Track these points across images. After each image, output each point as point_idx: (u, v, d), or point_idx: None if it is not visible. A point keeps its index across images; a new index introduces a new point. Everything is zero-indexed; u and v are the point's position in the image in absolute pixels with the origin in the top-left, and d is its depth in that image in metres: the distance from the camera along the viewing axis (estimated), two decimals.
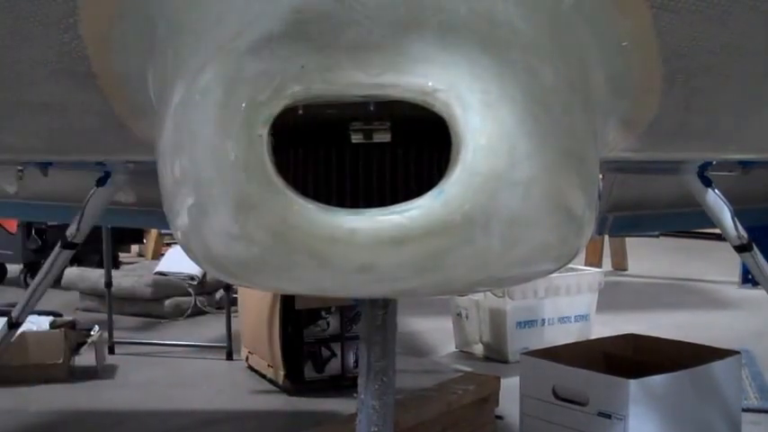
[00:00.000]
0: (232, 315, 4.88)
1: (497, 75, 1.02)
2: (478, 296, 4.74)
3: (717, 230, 2.78)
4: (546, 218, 1.11)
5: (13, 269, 7.72)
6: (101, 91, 1.35)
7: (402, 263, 1.05)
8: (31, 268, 7.08)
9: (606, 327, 4.78)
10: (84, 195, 2.78)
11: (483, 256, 1.08)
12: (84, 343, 4.50)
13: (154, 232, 8.46)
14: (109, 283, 5.21)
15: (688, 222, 3.63)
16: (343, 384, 4.11)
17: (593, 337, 4.56)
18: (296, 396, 4.10)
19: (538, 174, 1.06)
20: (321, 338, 4.19)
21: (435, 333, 5.31)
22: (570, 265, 3.93)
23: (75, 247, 2.88)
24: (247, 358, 4.62)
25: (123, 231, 7.58)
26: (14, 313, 3.10)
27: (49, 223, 7.04)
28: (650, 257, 8.68)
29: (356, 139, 1.06)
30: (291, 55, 0.99)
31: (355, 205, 1.05)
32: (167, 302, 6.14)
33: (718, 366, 3.04)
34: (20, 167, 2.77)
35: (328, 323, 4.20)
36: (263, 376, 4.39)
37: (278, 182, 1.01)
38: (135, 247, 9.31)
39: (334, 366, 4.20)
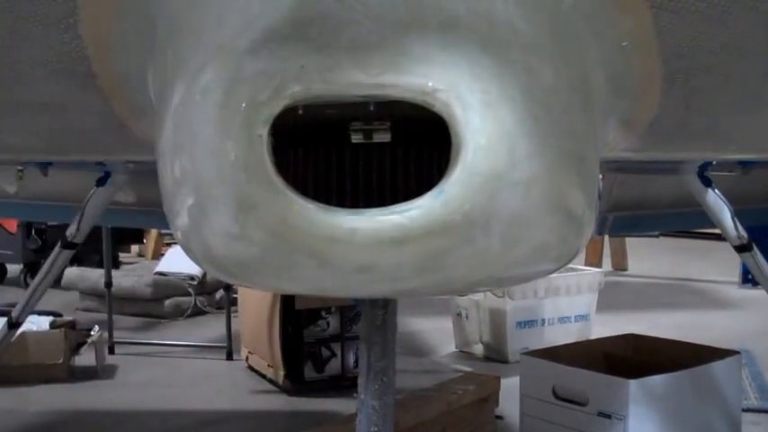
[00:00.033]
0: (232, 315, 4.88)
1: (497, 75, 1.02)
2: (478, 296, 4.74)
3: (717, 230, 2.78)
4: (546, 218, 1.11)
5: (13, 269, 7.72)
6: (101, 91, 1.35)
7: (402, 263, 1.05)
8: (31, 268, 7.08)
9: (606, 327, 4.78)
10: (84, 195, 2.78)
11: (483, 256, 1.08)
12: (84, 343, 4.50)
13: (154, 232, 8.46)
14: (109, 283, 5.22)
15: (688, 222, 3.63)
16: (343, 384, 4.11)
17: (593, 337, 4.56)
18: (296, 396, 4.10)
19: (538, 174, 1.06)
20: (321, 338, 4.19)
21: (435, 333, 5.31)
22: (570, 265, 3.94)
23: (75, 247, 2.88)
24: (247, 358, 4.62)
25: (123, 231, 7.58)
26: (14, 313, 3.10)
27: (49, 223, 7.04)
28: (650, 257, 8.68)
29: (356, 139, 1.06)
30: (291, 55, 0.99)
31: (355, 205, 1.05)
32: (167, 302, 6.14)
33: (718, 366, 3.04)
34: (20, 167, 2.77)
35: (328, 323, 4.20)
36: (263, 376, 4.39)
37: (278, 182, 1.01)
38: (135, 247, 9.31)
39: (334, 366, 4.20)
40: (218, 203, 1.06)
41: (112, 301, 5.28)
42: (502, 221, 1.05)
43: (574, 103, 1.14)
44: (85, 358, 4.51)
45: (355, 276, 1.07)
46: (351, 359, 4.19)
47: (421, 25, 1.00)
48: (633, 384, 2.77)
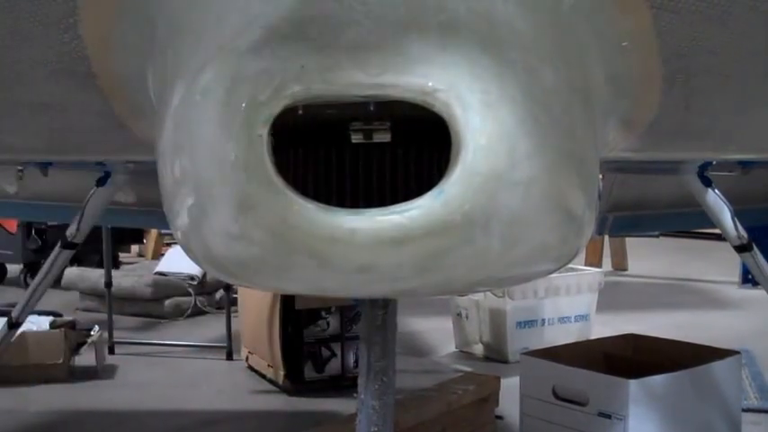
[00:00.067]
0: (232, 315, 4.88)
1: (497, 75, 1.02)
2: (478, 296, 4.74)
3: (717, 230, 2.78)
4: (546, 218, 1.11)
5: (13, 269, 7.72)
6: (101, 91, 1.35)
7: (402, 263, 1.05)
8: (31, 268, 7.08)
9: (606, 327, 4.78)
10: (84, 195, 2.78)
11: (483, 256, 1.08)
12: (84, 343, 4.50)
13: (154, 232, 8.46)
14: (109, 283, 5.21)
15: (688, 222, 3.63)
16: (343, 384, 4.11)
17: (593, 337, 4.56)
18: (296, 396, 4.10)
19: (538, 174, 1.06)
20: (321, 338, 4.19)
21: (435, 333, 5.31)
22: (570, 265, 3.94)
23: (75, 247, 2.88)
24: (247, 358, 4.62)
25: (123, 231, 7.58)
26: (14, 313, 3.10)
27: (49, 223, 7.04)
28: (650, 257, 8.67)
29: (356, 139, 1.06)
30: (291, 55, 0.99)
31: (355, 205, 1.05)
32: (167, 302, 6.14)
33: (718, 366, 3.04)
34: (20, 167, 2.77)
35: (328, 323, 4.20)
36: (263, 376, 4.39)
37: (278, 182, 1.01)
38: (135, 247, 9.31)
39: (334, 366, 4.20)
40: (218, 203, 1.06)
41: (112, 301, 5.28)
42: (502, 221, 1.05)
43: (574, 103, 1.14)
44: (85, 358, 4.51)
45: (355, 276, 1.07)
46: (351, 359, 4.19)
47: (421, 25, 1.00)
48: (633, 384, 2.77)
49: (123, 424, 3.84)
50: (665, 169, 2.74)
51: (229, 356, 4.85)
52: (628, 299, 6.61)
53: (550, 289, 4.74)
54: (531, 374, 3.14)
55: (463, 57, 1.01)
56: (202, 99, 1.04)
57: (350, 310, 4.16)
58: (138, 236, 8.62)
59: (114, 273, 5.64)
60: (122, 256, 8.57)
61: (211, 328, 5.55)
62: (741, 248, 2.70)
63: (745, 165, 2.58)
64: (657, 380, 2.84)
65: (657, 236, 7.83)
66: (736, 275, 6.84)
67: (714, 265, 7.84)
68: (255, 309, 4.40)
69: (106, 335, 4.92)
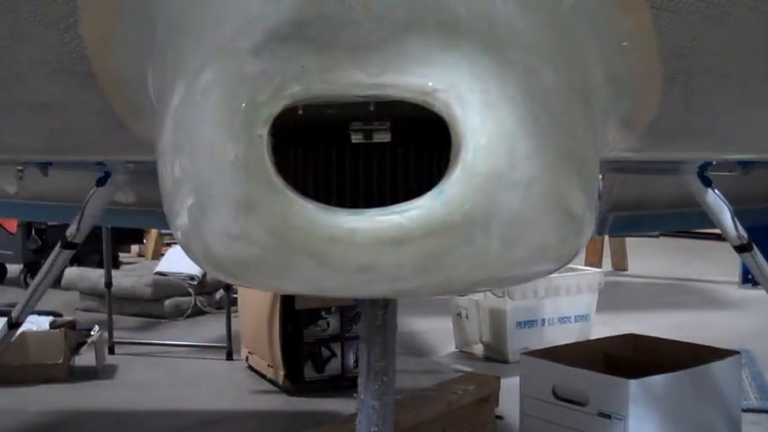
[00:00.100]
0: (232, 315, 4.88)
1: (497, 75, 1.02)
2: (478, 296, 4.74)
3: (717, 230, 2.78)
4: (546, 218, 1.11)
5: (13, 269, 7.72)
6: (101, 91, 1.35)
7: (402, 263, 1.05)
8: (31, 268, 7.08)
9: (606, 327, 4.78)
10: (84, 195, 2.78)
11: (483, 256, 1.08)
12: (84, 343, 4.50)
13: (154, 232, 8.46)
14: (109, 283, 5.21)
15: (688, 222, 3.63)
16: (343, 384, 4.11)
17: (593, 337, 4.56)
18: (296, 396, 4.10)
19: (538, 174, 1.06)
20: (321, 338, 4.19)
21: (435, 333, 5.31)
22: (570, 265, 3.93)
23: (76, 247, 2.88)
24: (247, 358, 4.62)
25: (123, 231, 7.58)
26: (14, 313, 3.10)
27: (49, 223, 7.04)
28: (650, 257, 8.68)
29: (356, 139, 1.06)
30: (291, 55, 0.99)
31: (355, 205, 1.05)
32: (167, 302, 6.14)
33: (718, 366, 3.04)
34: (20, 167, 2.77)
35: (328, 323, 4.20)
36: (263, 376, 4.39)
37: (278, 182, 1.01)
38: (135, 247, 9.31)
39: (334, 366, 4.20)
40: (218, 203, 1.06)
41: (112, 301, 5.28)
42: (502, 221, 1.05)
43: (574, 103, 1.14)
44: (85, 358, 4.51)
45: (355, 276, 1.07)
46: (351, 359, 4.19)
47: (421, 25, 1.00)
48: (633, 384, 2.77)
49: (123, 424, 3.84)
50: (665, 169, 2.74)
51: (229, 356, 4.85)
52: (628, 299, 6.61)
53: (550, 289, 4.74)
54: (531, 374, 3.14)
55: (463, 57, 1.01)
56: (202, 99, 1.04)
57: (350, 310, 4.16)
58: (138, 236, 8.62)
59: (114, 273, 5.64)
60: (122, 256, 8.57)
61: (211, 328, 5.55)
62: (741, 248, 2.70)
63: (745, 165, 2.58)
64: (657, 380, 2.84)
65: (657, 236, 7.84)
66: (736, 275, 6.84)
67: (714, 265, 7.84)
68: (255, 309, 4.40)
69: (106, 335, 4.92)
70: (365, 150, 1.08)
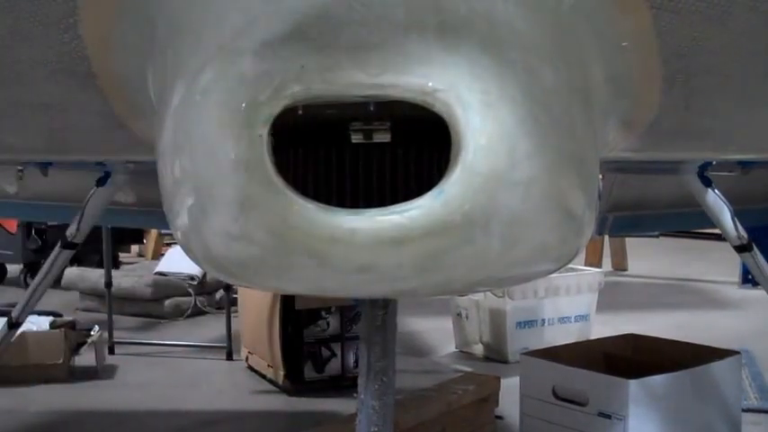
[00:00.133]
0: (232, 315, 4.88)
1: (497, 75, 1.02)
2: (478, 296, 4.74)
3: (717, 230, 2.78)
4: (546, 218, 1.11)
5: (13, 269, 7.72)
6: (101, 91, 1.35)
7: (402, 263, 1.05)
8: (31, 268, 7.08)
9: (606, 327, 4.78)
10: (84, 195, 2.78)
11: (483, 256, 1.08)
12: (84, 343, 4.50)
13: (154, 232, 8.46)
14: (109, 283, 5.21)
15: (688, 222, 3.63)
16: (343, 384, 4.11)
17: (593, 337, 4.56)
18: (296, 396, 4.10)
19: (538, 174, 1.06)
20: (321, 338, 4.19)
21: (435, 333, 5.31)
22: (570, 265, 3.93)
23: (76, 247, 2.88)
24: (247, 358, 4.62)
25: (123, 231, 7.58)
26: (14, 313, 3.10)
27: (49, 223, 7.04)
28: (650, 257, 8.68)
29: (356, 139, 1.06)
30: (291, 55, 0.99)
31: (355, 205, 1.05)
32: (167, 302, 6.14)
33: (718, 366, 3.04)
34: (20, 167, 2.77)
35: (328, 323, 4.20)
36: (263, 376, 4.39)
37: (278, 182, 1.01)
38: (135, 247, 9.31)
39: (334, 366, 4.20)
40: (218, 203, 1.06)
41: (112, 301, 5.28)
42: (502, 221, 1.05)
43: (574, 103, 1.14)
44: (85, 358, 4.51)
45: (355, 276, 1.07)
46: (351, 359, 4.19)
47: (421, 25, 1.00)
48: (633, 384, 2.77)
49: (123, 424, 3.84)
50: (665, 169, 2.74)
51: (229, 356, 4.85)
52: (628, 299, 6.61)
53: (550, 289, 4.74)
54: (531, 374, 3.14)
55: (463, 57, 1.01)
56: (202, 99, 1.04)
57: (350, 310, 4.16)
58: (138, 236, 8.62)
59: (114, 273, 5.64)
60: (122, 256, 8.57)
61: (211, 328, 5.55)
62: (741, 248, 2.70)
63: (745, 165, 2.58)
64: (657, 380, 2.84)
65: (657, 236, 7.83)
66: (736, 275, 6.85)
67: (714, 265, 7.85)
68: (255, 309, 4.40)
69: (106, 335, 4.92)
70: (365, 150, 1.08)
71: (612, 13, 1.17)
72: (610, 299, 5.55)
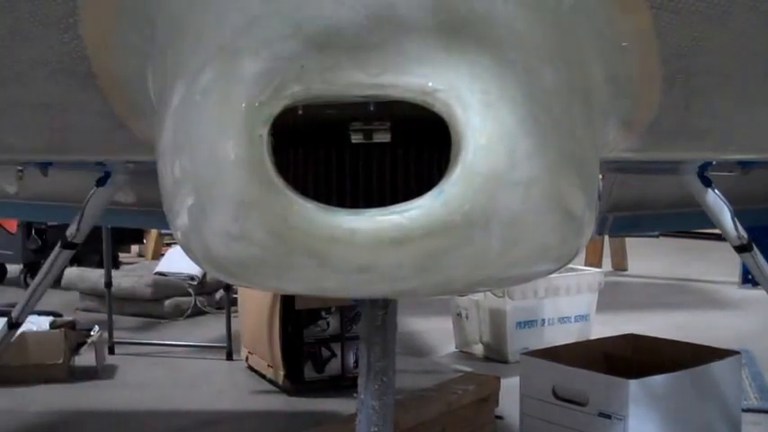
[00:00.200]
0: (232, 315, 4.88)
1: (497, 75, 1.02)
2: (478, 296, 4.74)
3: (717, 230, 2.78)
4: (546, 218, 1.11)
5: (13, 269, 7.72)
6: (101, 91, 1.35)
7: (402, 263, 1.05)
8: (31, 268, 7.08)
9: (606, 327, 4.78)
10: (84, 195, 2.78)
11: (483, 256, 1.08)
12: (84, 343, 4.50)
13: (154, 232, 8.46)
14: (109, 283, 5.21)
15: (688, 222, 3.63)
16: (343, 384, 4.11)
17: (593, 337, 4.56)
18: (296, 396, 4.10)
19: (538, 174, 1.06)
20: (321, 338, 4.19)
21: (435, 333, 5.31)
22: (570, 265, 3.93)
23: (76, 247, 2.88)
24: (247, 358, 4.62)
25: (123, 231, 7.58)
26: (14, 313, 3.10)
27: (49, 223, 7.04)
28: (650, 257, 8.67)
29: (356, 139, 1.06)
30: (291, 55, 0.99)
31: (355, 205, 1.05)
32: (167, 302, 6.14)
33: (718, 366, 3.04)
34: (20, 167, 2.77)
35: (328, 323, 4.20)
36: (263, 376, 4.39)
37: (278, 182, 1.01)
38: (135, 247, 9.31)
39: (334, 366, 4.20)
40: (218, 203, 1.06)
41: (112, 301, 5.28)
42: (502, 221, 1.05)
43: (574, 103, 1.14)
44: (85, 358, 4.51)
45: (355, 276, 1.07)
46: (351, 359, 4.19)
47: (421, 25, 1.00)
48: (633, 384, 2.77)
49: (123, 424, 3.84)
50: (665, 169, 2.74)
51: (229, 357, 4.85)
52: (628, 299, 6.61)
53: (550, 289, 4.74)
54: (531, 374, 3.14)
55: (463, 57, 1.01)
56: (202, 99, 1.04)
57: (350, 310, 4.16)
58: (138, 236, 8.62)
59: (114, 273, 5.64)
60: (122, 256, 8.57)
61: (211, 328, 5.55)
62: (741, 248, 2.70)
63: (745, 165, 2.58)
64: (657, 380, 2.84)
65: (657, 236, 7.83)
66: (736, 275, 6.85)
67: (714, 265, 7.85)
68: (255, 309, 4.40)
69: (106, 335, 4.91)
70: (365, 150, 1.08)
71: (612, 13, 1.17)
72: (610, 299, 5.55)
